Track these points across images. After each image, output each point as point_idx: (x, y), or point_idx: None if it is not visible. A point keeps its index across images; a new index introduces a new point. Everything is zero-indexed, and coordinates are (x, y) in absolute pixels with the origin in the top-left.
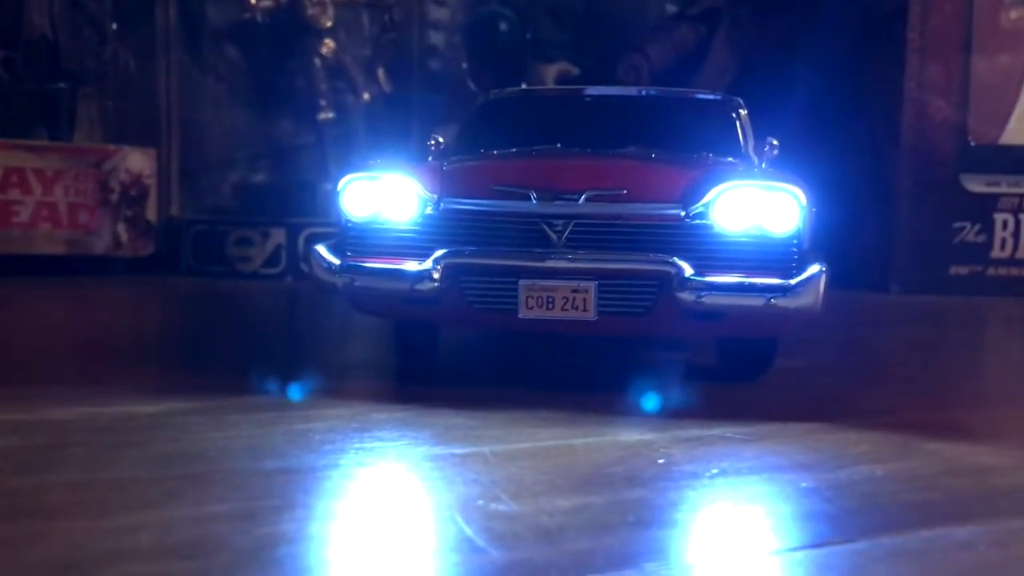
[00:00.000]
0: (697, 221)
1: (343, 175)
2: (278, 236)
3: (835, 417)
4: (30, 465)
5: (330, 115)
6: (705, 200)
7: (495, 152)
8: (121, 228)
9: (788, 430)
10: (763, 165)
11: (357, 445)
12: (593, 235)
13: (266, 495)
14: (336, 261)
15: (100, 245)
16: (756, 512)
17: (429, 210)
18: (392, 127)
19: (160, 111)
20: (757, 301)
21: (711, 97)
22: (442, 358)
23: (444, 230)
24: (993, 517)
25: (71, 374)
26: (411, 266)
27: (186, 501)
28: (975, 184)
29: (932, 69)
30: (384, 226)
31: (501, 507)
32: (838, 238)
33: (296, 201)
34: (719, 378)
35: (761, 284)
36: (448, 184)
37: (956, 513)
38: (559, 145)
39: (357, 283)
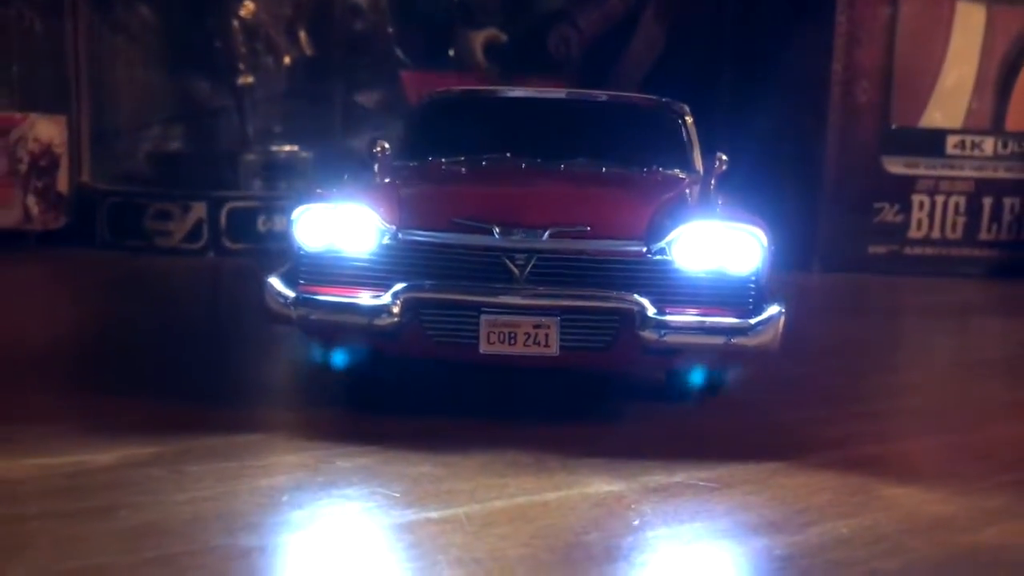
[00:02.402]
0: (659, 257)
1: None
2: (199, 210)
3: (792, 454)
4: None
5: (249, 79)
6: (668, 238)
7: (445, 164)
8: (31, 200)
9: (750, 474)
10: (713, 183)
11: (327, 506)
12: (556, 270)
13: None
14: (291, 294)
15: (9, 219)
16: None
17: (387, 240)
18: (315, 91)
19: (69, 74)
20: (717, 340)
21: (658, 103)
22: (389, 379)
23: (403, 262)
24: None
25: None
26: (369, 299)
27: None
28: (895, 166)
29: (858, 52)
30: (340, 256)
31: None
32: (763, 219)
33: (216, 172)
34: (670, 398)
35: (722, 325)
36: (406, 214)
37: None
38: (508, 155)
39: (313, 317)
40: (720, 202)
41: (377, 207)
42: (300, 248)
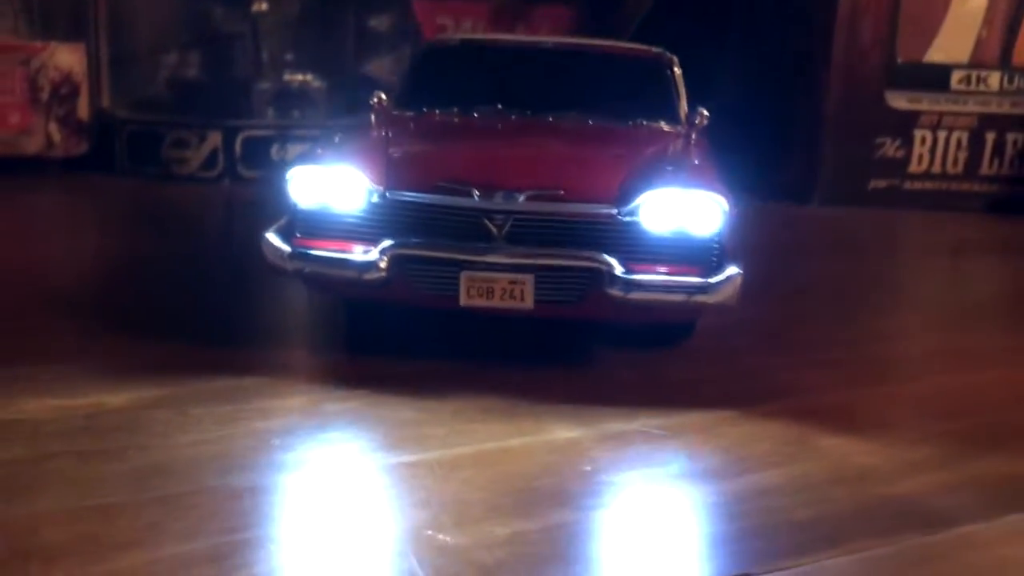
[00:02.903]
0: (628, 219)
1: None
2: (214, 139)
3: (745, 402)
4: (17, 488)
5: (263, 5)
6: (635, 202)
7: (436, 118)
8: (53, 128)
9: (702, 421)
10: (694, 137)
11: (313, 449)
12: (532, 230)
13: (237, 525)
14: (287, 249)
15: (33, 145)
16: (672, 539)
17: (375, 199)
18: (327, 17)
19: (87, 1)
20: (679, 297)
21: (647, 54)
22: (390, 321)
23: (390, 220)
24: (864, 539)
25: (17, 337)
26: (359, 255)
27: (168, 535)
28: (898, 101)
29: None
30: (332, 213)
31: (447, 538)
32: (766, 152)
33: (231, 100)
34: (643, 342)
35: (683, 283)
36: (393, 175)
37: (833, 535)
38: (500, 106)
39: (307, 270)
40: (696, 160)
41: (365, 168)
42: (295, 205)
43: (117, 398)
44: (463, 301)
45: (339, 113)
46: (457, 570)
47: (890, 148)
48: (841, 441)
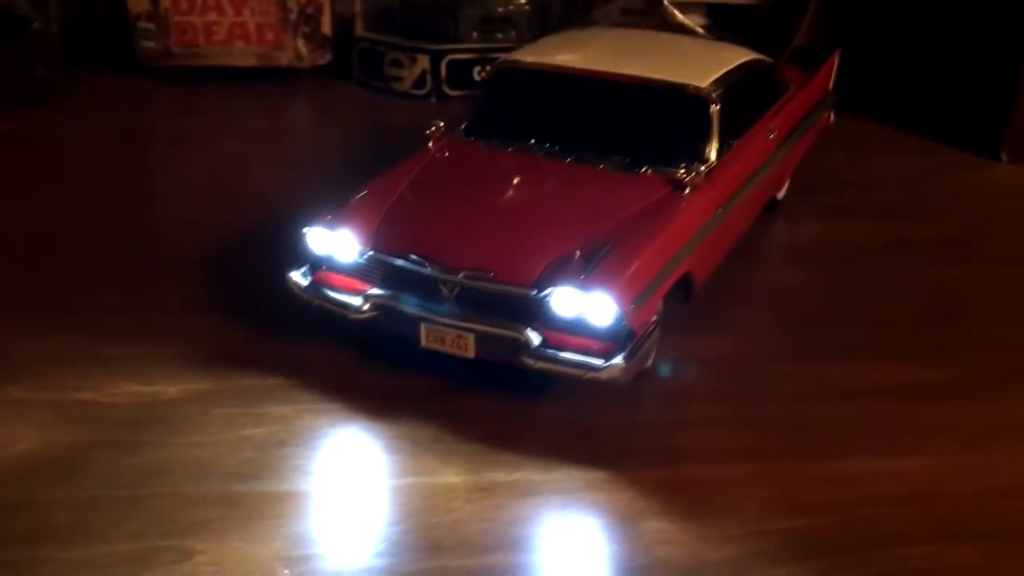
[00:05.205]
0: (544, 300)
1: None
2: (423, 62)
3: (627, 465)
4: (62, 472)
5: None
6: (545, 293)
7: (451, 168)
8: (300, 43)
9: (569, 482)
10: (686, 192)
11: (264, 472)
12: (474, 298)
13: (173, 532)
14: (303, 283)
15: (284, 58)
16: None
17: (367, 254)
18: None
19: None
20: (576, 372)
21: (690, 90)
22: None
23: (375, 272)
24: None
25: (154, 312)
26: (351, 298)
27: (123, 533)
28: None
29: None
30: (336, 261)
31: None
32: (949, 87)
33: (441, 25)
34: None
35: (578, 362)
36: (379, 239)
37: None
38: (532, 141)
39: (315, 303)
40: (641, 240)
41: (357, 232)
42: (311, 252)
43: (174, 388)
44: (423, 343)
45: (539, 32)
46: None
47: None
48: (665, 527)
